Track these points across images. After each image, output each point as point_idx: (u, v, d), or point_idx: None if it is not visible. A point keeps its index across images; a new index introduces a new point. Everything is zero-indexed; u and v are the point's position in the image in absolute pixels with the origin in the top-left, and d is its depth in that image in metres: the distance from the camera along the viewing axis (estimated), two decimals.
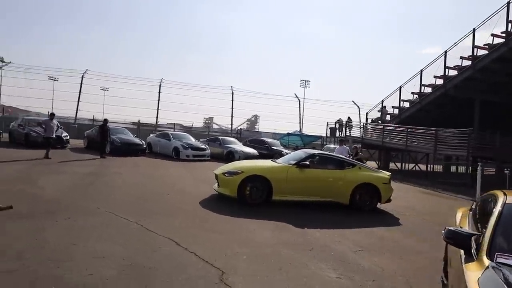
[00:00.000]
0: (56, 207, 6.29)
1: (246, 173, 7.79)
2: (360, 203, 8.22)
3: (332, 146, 23.56)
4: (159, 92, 30.06)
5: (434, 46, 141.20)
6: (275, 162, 8.81)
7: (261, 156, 18.43)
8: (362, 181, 8.29)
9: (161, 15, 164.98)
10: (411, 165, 22.80)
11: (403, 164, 22.70)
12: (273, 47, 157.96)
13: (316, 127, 52.76)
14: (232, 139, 21.56)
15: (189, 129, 30.38)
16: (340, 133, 25.16)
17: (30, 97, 31.73)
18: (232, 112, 30.90)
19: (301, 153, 9.25)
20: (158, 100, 30.01)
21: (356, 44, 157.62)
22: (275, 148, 20.48)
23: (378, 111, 24.39)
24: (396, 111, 22.57)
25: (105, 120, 16.93)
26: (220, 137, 20.97)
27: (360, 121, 28.02)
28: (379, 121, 23.74)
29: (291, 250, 4.97)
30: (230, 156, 18.35)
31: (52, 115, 15.30)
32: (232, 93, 31.21)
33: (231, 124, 31.32)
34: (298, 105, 34.03)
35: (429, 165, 21.55)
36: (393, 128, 20.62)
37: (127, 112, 30.75)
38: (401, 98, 21.91)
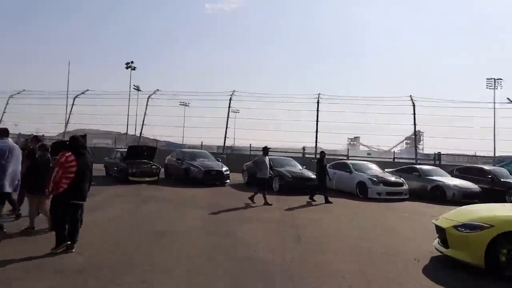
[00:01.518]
0: None
1: (500, 227, 4.63)
2: None
3: None
4: (318, 110, 26.16)
5: None
6: None
7: (484, 193, 13.00)
8: None
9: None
10: None
11: None
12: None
13: None
14: (434, 168, 15.39)
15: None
16: None
17: (164, 126, 28.27)
18: (415, 129, 23.65)
19: None
20: (317, 121, 26.04)
21: None
22: (505, 180, 13.67)
23: None
24: None
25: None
26: (418, 166, 15.18)
27: None
28: None
29: None
30: (438, 193, 12.93)
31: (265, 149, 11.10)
32: (414, 104, 24.04)
33: (415, 146, 23.93)
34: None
35: None
36: None
37: (280, 137, 27.61)
38: None
